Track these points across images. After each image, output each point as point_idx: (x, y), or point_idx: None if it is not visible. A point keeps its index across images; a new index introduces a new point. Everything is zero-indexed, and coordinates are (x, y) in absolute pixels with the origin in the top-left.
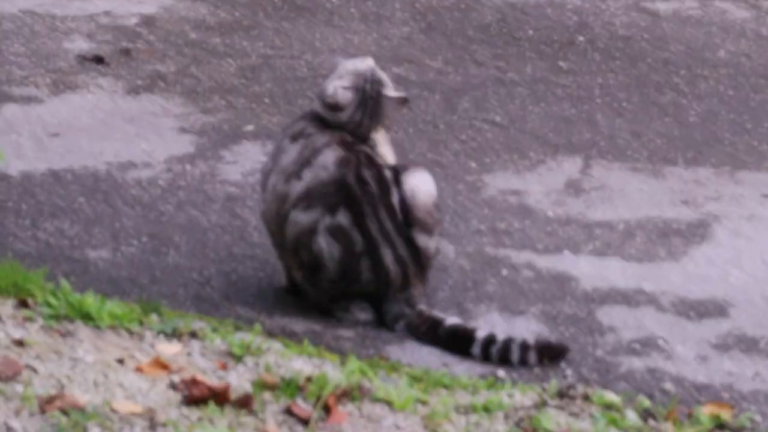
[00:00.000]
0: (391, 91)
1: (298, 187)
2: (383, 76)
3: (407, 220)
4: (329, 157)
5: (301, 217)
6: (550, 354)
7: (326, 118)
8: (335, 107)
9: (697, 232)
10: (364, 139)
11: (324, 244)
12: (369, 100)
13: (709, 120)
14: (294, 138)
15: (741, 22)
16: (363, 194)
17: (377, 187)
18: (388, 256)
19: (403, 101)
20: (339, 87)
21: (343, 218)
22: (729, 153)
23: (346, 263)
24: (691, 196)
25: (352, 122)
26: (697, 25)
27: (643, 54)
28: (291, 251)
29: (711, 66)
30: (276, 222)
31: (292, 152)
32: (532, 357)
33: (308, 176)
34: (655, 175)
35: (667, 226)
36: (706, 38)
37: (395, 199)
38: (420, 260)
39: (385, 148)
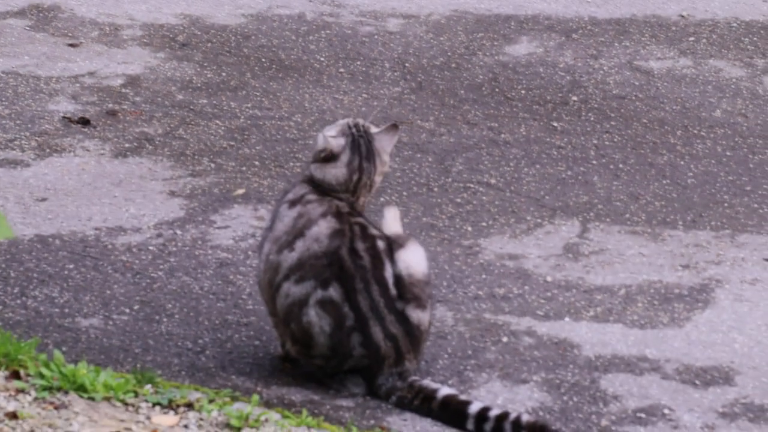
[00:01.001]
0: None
1: (290, 259)
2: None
3: (401, 294)
4: (323, 229)
5: (293, 290)
6: None
7: (324, 184)
8: (330, 157)
9: (699, 297)
10: (370, 186)
11: (314, 317)
12: (360, 140)
13: (707, 182)
14: (292, 204)
15: (736, 81)
16: (355, 268)
17: (370, 261)
18: (377, 333)
19: (394, 128)
20: (327, 136)
21: (334, 292)
22: (729, 215)
23: (337, 338)
24: (692, 261)
25: (351, 168)
26: (692, 84)
27: (637, 114)
28: (282, 322)
29: (707, 126)
30: (269, 291)
31: (287, 220)
32: None
33: (301, 247)
34: (654, 239)
35: (668, 291)
36: (701, 97)
37: (388, 273)
38: (413, 335)
39: (394, 224)
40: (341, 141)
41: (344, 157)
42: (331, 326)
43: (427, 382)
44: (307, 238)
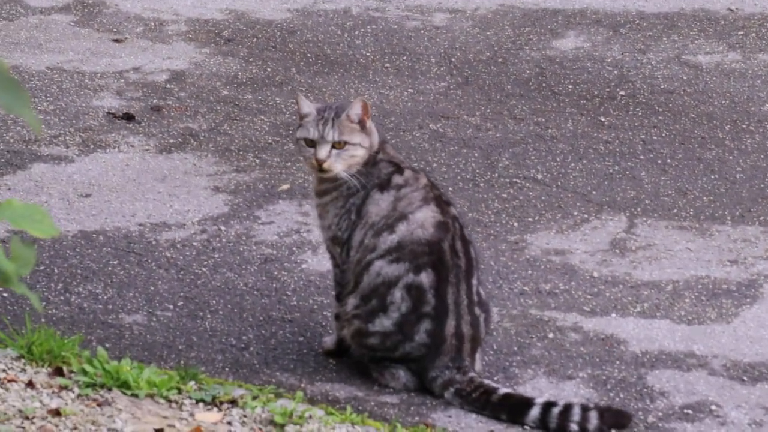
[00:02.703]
0: None
1: (389, 241)
2: None
3: (480, 302)
4: (428, 218)
5: (386, 269)
6: (613, 417)
7: (375, 144)
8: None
9: (747, 292)
10: None
11: (398, 299)
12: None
13: (756, 177)
14: (382, 188)
15: None
16: (452, 264)
17: (465, 263)
18: (450, 327)
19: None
20: (361, 98)
21: (425, 278)
22: None
23: (407, 319)
24: (740, 256)
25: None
26: (741, 78)
27: (685, 108)
28: (361, 297)
29: (756, 121)
30: (354, 270)
31: (384, 204)
32: (593, 419)
33: (403, 230)
34: (702, 234)
35: (716, 287)
36: (750, 92)
37: (474, 281)
38: (477, 342)
39: None
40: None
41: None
42: (408, 308)
43: (489, 381)
44: (411, 222)
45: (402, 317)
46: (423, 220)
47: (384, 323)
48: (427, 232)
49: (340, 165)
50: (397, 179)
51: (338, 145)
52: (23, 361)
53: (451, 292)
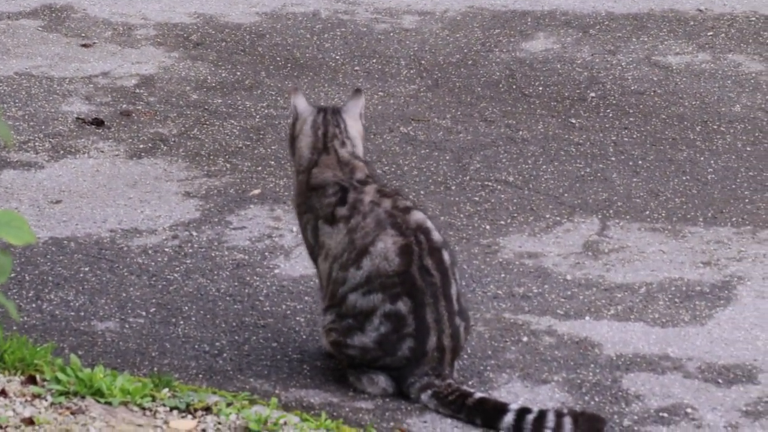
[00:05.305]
0: None
1: (357, 276)
2: None
3: (461, 311)
4: (388, 247)
5: (360, 301)
6: (588, 423)
7: (303, 161)
8: (300, 129)
9: (721, 294)
10: (343, 141)
11: (377, 324)
12: (324, 108)
13: (727, 177)
14: (329, 221)
15: (755, 76)
16: (426, 285)
17: (440, 278)
18: (431, 343)
19: (357, 92)
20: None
21: (402, 306)
22: (749, 211)
23: (388, 339)
24: (713, 257)
25: (315, 126)
26: (711, 79)
27: (656, 109)
28: (338, 315)
29: (727, 121)
30: (331, 300)
31: (338, 237)
32: (568, 425)
33: (368, 266)
34: (674, 236)
35: (689, 289)
36: (720, 92)
37: (453, 290)
38: (458, 350)
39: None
40: (306, 104)
41: (309, 119)
42: (388, 329)
43: (466, 387)
44: (374, 255)
45: (381, 337)
46: (384, 251)
47: (363, 340)
48: (393, 263)
49: None
50: (341, 211)
51: None
52: None
53: (429, 312)
